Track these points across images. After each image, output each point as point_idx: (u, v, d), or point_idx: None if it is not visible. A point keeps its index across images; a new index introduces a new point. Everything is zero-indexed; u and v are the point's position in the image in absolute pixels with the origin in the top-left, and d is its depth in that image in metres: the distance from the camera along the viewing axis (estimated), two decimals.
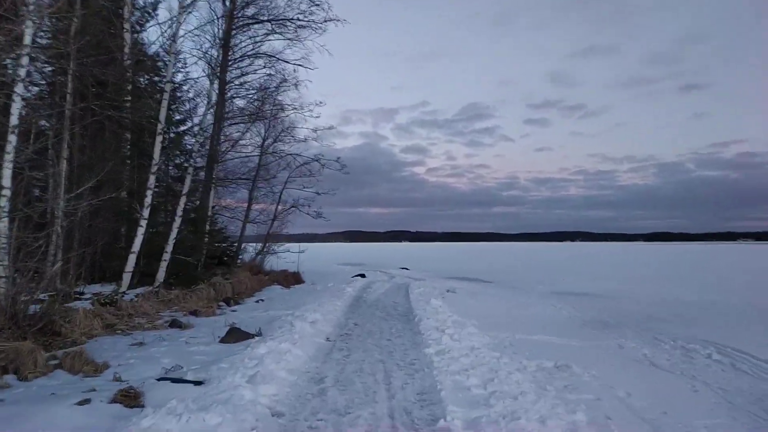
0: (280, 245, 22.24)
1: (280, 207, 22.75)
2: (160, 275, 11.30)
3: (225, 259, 18.77)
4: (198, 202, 15.37)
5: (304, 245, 32.68)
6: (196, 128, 14.28)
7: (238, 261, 19.97)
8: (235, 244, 21.39)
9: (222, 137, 20.64)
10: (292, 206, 22.54)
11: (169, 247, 11.42)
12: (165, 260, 11.37)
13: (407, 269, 30.89)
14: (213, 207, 20.22)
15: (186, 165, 11.62)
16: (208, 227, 15.31)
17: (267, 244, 22.24)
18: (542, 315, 12.35)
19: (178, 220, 11.47)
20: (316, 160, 22.53)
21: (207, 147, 15.55)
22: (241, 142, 22.49)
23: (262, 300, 12.22)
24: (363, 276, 20.32)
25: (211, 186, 15.50)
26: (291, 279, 16.63)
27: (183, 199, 11.47)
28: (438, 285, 17.31)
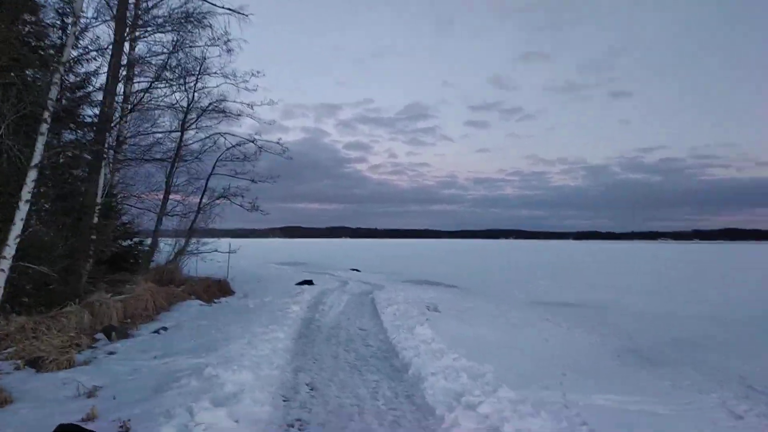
0: (205, 243, 17.86)
1: (206, 197, 18.42)
2: None
3: (132, 262, 14.34)
4: (83, 187, 10.97)
5: (237, 242, 28.25)
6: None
7: (152, 264, 15.54)
8: (148, 244, 16.89)
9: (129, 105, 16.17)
10: (222, 196, 18.32)
11: (10, 250, 7.17)
12: (2, 270, 7.11)
13: (358, 271, 27.24)
14: (116, 195, 15.68)
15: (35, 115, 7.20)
16: (96, 219, 10.94)
17: (189, 242, 17.81)
18: (560, 345, 9.18)
19: (24, 208, 7.24)
20: (252, 141, 18.48)
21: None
22: (156, 114, 18.12)
23: (165, 329, 8.15)
24: (310, 283, 16.46)
25: (103, 162, 11.12)
26: (215, 290, 12.52)
27: (32, 175, 7.24)
28: (405, 295, 13.84)
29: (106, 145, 11.16)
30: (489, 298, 16.99)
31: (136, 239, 16.16)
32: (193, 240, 18.07)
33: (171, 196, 17.69)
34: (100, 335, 7.78)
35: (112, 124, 11.55)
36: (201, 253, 18.19)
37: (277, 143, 18.49)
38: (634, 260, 51.32)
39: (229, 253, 19.07)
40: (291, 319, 9.02)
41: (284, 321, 8.77)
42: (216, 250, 18.24)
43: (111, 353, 6.78)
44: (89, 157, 11.01)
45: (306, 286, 15.10)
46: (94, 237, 10.95)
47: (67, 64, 9.32)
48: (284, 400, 4.81)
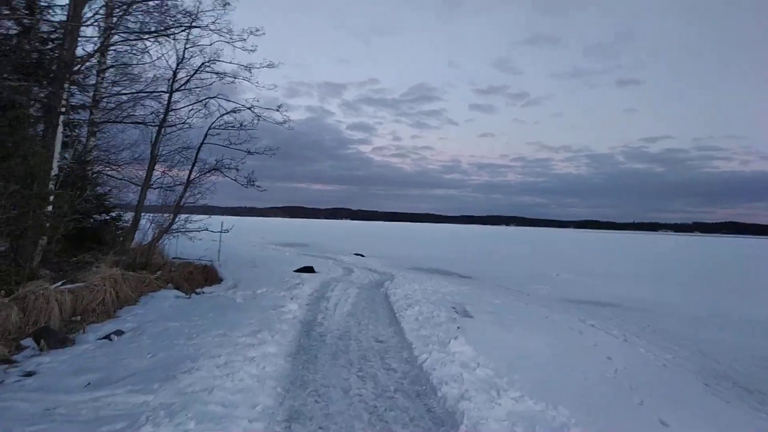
0: (193, 221, 15.76)
1: (196, 169, 16.30)
2: None
3: (109, 240, 12.33)
4: (34, 149, 8.86)
5: (232, 221, 26.16)
6: None
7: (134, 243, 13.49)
8: (125, 221, 14.81)
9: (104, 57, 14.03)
10: (214, 169, 16.22)
11: None
12: None
13: (362, 256, 25.22)
14: (90, 162, 13.59)
15: None
16: (53, 187, 8.87)
17: (176, 220, 15.75)
18: (628, 364, 7.14)
19: None
20: (249, 108, 16.30)
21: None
22: (139, 71, 15.94)
23: (120, 333, 6.12)
24: (311, 270, 14.43)
25: (61, 119, 9.00)
26: (199, 277, 10.48)
27: None
28: (421, 288, 11.83)
29: (65, 99, 9.02)
30: (513, 294, 15.01)
31: (114, 213, 14.15)
32: (181, 217, 16.04)
33: (156, 167, 15.61)
34: (29, 341, 5.78)
35: (74, 73, 9.38)
36: (188, 231, 16.16)
37: (277, 110, 16.39)
38: (646, 251, 49.28)
39: (221, 232, 17.02)
40: (287, 323, 6.99)
41: (278, 325, 6.74)
42: (206, 229, 16.16)
43: (28, 374, 4.77)
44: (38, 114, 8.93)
45: (306, 275, 13.07)
46: (49, 209, 8.92)
47: None
48: None
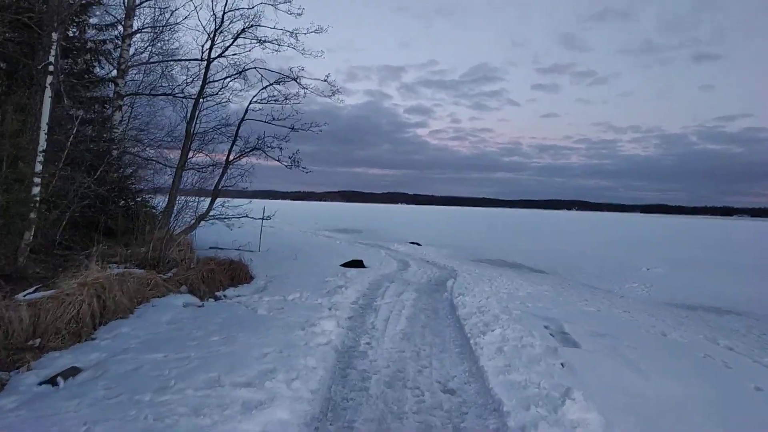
0: (231, 206, 14.05)
1: (236, 147, 14.63)
2: None
3: (132, 228, 10.75)
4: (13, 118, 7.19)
5: (282, 205, 24.65)
6: None
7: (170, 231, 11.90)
8: (155, 207, 13.27)
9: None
10: (256, 148, 14.48)
11: None
12: None
13: (419, 245, 22.98)
14: (115, 141, 12.07)
15: None
16: (40, 167, 7.21)
17: (213, 205, 14.16)
18: None
19: None
20: (294, 79, 14.32)
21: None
22: (173, 38, 14.36)
23: (72, 373, 4.17)
24: (360, 264, 12.36)
25: (49, 79, 7.27)
26: (222, 275, 8.60)
27: None
28: (494, 291, 9.48)
29: (54, 52, 7.25)
30: (603, 295, 12.31)
31: (139, 199, 12.64)
32: (218, 202, 14.41)
33: (192, 146, 14.02)
34: None
35: (66, 18, 7.59)
36: (226, 218, 14.53)
37: (325, 80, 14.33)
38: (727, 238, 43.31)
39: (262, 219, 15.27)
40: (316, 354, 4.90)
41: (302, 360, 4.66)
42: (246, 215, 14.46)
43: None
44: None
45: (353, 271, 10.99)
46: (37, 193, 7.27)
47: None
48: None
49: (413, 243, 23.30)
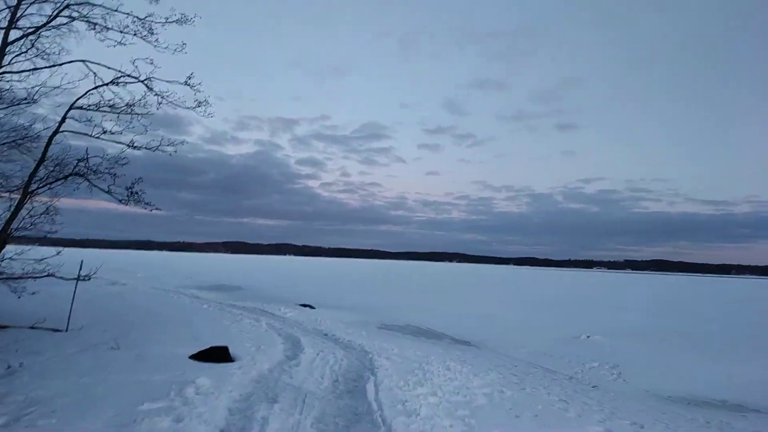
0: (29, 260, 8.94)
1: (42, 170, 9.74)
2: None
3: None
4: None
5: (156, 256, 19.09)
6: None
7: None
8: None
9: None
10: (75, 174, 9.76)
11: None
12: None
13: (312, 308, 18.67)
14: None
15: None
16: None
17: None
18: None
19: None
20: (142, 81, 10.00)
21: None
22: None
23: None
24: (224, 354, 7.87)
25: None
26: None
27: None
28: (428, 380, 5.79)
29: None
30: (573, 387, 9.11)
31: None
32: (5, 252, 9.19)
33: None
34: None
35: None
36: (18, 278, 9.32)
37: (186, 84, 10.14)
38: (615, 291, 44.01)
39: (77, 279, 10.08)
40: None
41: None
42: (51, 274, 9.36)
43: None
44: None
45: (207, 374, 6.56)
46: None
47: None
48: None
49: (304, 305, 18.96)
